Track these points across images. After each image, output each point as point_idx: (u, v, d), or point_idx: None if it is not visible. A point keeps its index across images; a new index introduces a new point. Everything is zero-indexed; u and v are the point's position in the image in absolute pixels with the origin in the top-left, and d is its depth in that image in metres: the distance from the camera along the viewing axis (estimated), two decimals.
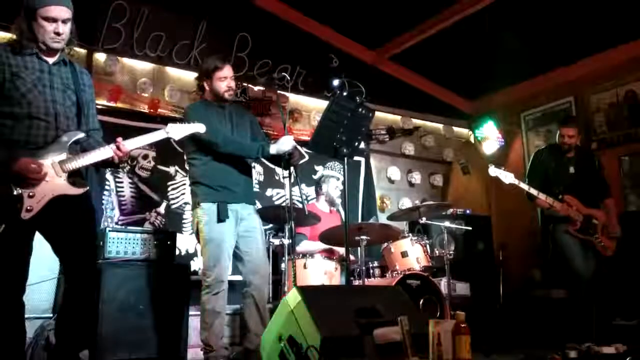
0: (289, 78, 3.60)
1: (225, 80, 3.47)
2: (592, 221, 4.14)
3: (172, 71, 5.17)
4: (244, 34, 5.42)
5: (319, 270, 4.12)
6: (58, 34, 2.47)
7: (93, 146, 2.61)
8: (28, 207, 2.36)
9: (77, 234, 2.54)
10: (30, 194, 2.37)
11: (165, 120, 4.92)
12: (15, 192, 2.33)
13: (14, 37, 2.50)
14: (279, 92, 3.79)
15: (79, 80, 2.64)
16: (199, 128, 3.01)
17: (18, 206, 2.34)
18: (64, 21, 2.48)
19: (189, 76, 5.22)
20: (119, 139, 2.58)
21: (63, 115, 2.52)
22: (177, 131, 2.86)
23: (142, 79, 4.96)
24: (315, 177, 5.66)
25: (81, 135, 2.58)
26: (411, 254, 4.28)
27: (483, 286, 5.29)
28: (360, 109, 3.14)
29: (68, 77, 2.60)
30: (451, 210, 4.91)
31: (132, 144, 2.63)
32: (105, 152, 2.55)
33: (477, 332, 2.60)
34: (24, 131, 2.43)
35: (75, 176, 2.52)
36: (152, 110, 4.91)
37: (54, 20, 2.45)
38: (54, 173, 2.44)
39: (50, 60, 2.55)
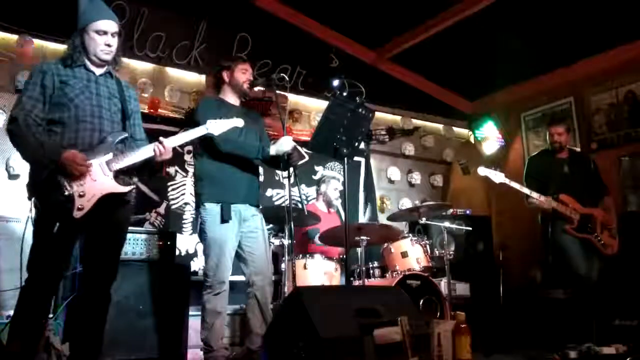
0: (287, 79, 3.61)
1: (246, 72, 3.57)
2: (590, 220, 4.14)
3: (172, 71, 5.18)
4: (244, 34, 5.43)
5: (319, 270, 4.12)
6: (109, 45, 2.68)
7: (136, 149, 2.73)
8: (79, 206, 2.47)
9: (111, 236, 2.69)
10: (81, 193, 2.48)
11: (166, 121, 4.95)
12: (66, 192, 2.44)
13: (67, 51, 2.69)
14: (278, 92, 3.80)
15: (124, 92, 2.81)
16: (237, 123, 3.11)
17: (70, 205, 2.45)
18: (113, 34, 2.69)
19: (189, 76, 5.25)
20: (161, 138, 2.75)
21: (108, 119, 2.68)
22: (216, 127, 3.01)
23: (142, 79, 4.96)
24: (315, 177, 5.66)
25: (125, 135, 2.71)
26: (411, 255, 4.29)
27: (483, 286, 5.29)
28: (360, 109, 3.14)
29: (114, 88, 2.78)
30: (451, 210, 4.91)
31: (172, 142, 2.80)
32: (148, 150, 2.69)
33: (478, 332, 2.61)
34: (72, 135, 2.57)
35: (122, 175, 2.65)
36: (152, 111, 4.91)
37: (105, 32, 2.67)
38: (102, 172, 2.56)
39: (98, 71, 2.73)
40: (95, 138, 2.61)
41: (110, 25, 2.68)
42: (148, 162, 2.73)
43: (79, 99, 2.61)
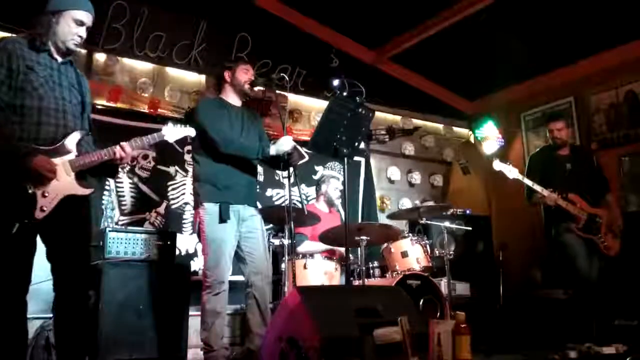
0: (287, 79, 3.62)
1: (248, 72, 3.57)
2: (595, 220, 4.14)
3: (172, 71, 5.17)
4: (244, 34, 5.42)
5: (319, 270, 4.12)
6: (81, 37, 2.59)
7: (87, 150, 2.63)
8: (42, 207, 2.39)
9: (74, 237, 2.57)
10: (45, 193, 2.39)
11: (166, 121, 4.91)
12: (30, 191, 2.36)
13: (36, 30, 2.54)
14: (278, 92, 3.80)
15: (81, 82, 2.70)
16: (190, 132, 3.06)
17: (32, 205, 2.36)
18: (87, 27, 2.61)
19: (189, 76, 5.25)
20: (122, 143, 2.64)
21: (70, 113, 2.58)
22: (172, 134, 2.94)
23: (142, 79, 4.96)
24: (315, 177, 5.66)
25: (88, 132, 2.64)
26: (411, 254, 4.28)
27: (483, 286, 5.29)
28: (360, 109, 3.14)
29: (73, 78, 2.67)
30: (451, 210, 4.91)
31: (132, 146, 2.68)
32: (109, 152, 2.60)
33: (478, 332, 2.60)
34: (33, 128, 2.45)
35: (82, 176, 2.56)
36: (152, 111, 4.91)
37: (82, 24, 2.58)
38: (64, 172, 2.47)
39: (60, 59, 2.62)
40: (59, 134, 2.49)
41: (88, 17, 2.60)
42: (105, 164, 2.63)
43: (44, 89, 2.48)
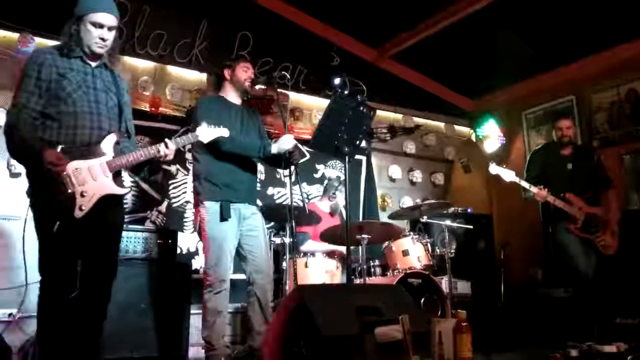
0: (289, 77, 3.62)
1: (247, 70, 3.58)
2: (594, 220, 4.14)
3: (173, 70, 5.17)
4: (245, 32, 5.42)
5: (320, 269, 4.12)
6: (103, 39, 2.61)
7: (130, 150, 2.70)
8: (81, 206, 2.45)
9: (107, 237, 2.65)
10: (83, 193, 2.46)
11: (167, 119, 4.96)
12: (69, 191, 2.43)
13: (63, 38, 2.62)
14: (279, 90, 3.80)
15: (118, 84, 2.75)
16: (224, 132, 3.10)
17: (71, 205, 2.43)
18: (110, 28, 2.62)
19: (190, 75, 5.24)
20: (167, 140, 2.73)
21: (105, 115, 2.64)
22: (206, 135, 3.01)
23: (144, 77, 4.96)
24: (316, 175, 5.66)
25: (124, 134, 2.71)
26: (412, 253, 4.29)
27: (484, 285, 5.29)
28: (361, 108, 3.14)
29: (109, 81, 2.72)
30: (452, 208, 4.90)
31: (176, 143, 2.78)
32: (151, 151, 2.67)
33: (479, 330, 2.60)
34: (70, 132, 2.52)
35: (118, 176, 2.64)
36: (153, 109, 4.91)
37: (101, 26, 2.59)
38: (102, 173, 2.54)
39: (93, 63, 2.68)
40: (94, 136, 2.57)
41: (108, 18, 2.60)
42: (146, 162, 2.70)
43: (77, 94, 2.55)
